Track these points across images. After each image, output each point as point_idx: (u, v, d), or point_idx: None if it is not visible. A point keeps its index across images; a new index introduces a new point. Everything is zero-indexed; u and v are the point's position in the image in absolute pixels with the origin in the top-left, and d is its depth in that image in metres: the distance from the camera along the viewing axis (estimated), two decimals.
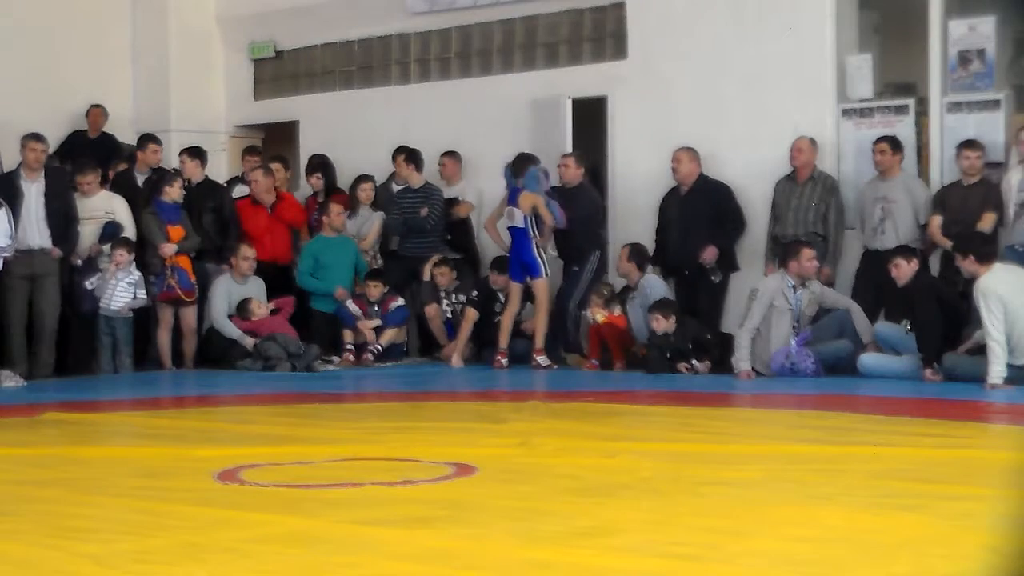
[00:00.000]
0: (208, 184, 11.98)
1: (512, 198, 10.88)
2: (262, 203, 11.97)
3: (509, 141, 11.68)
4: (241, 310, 11.29)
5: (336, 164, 12.90)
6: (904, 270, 9.38)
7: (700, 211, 10.69)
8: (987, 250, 9.01)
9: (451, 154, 12.21)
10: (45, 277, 10.55)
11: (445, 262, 11.71)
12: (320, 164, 12.66)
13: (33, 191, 10.53)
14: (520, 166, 10.96)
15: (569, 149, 11.69)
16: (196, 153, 12.06)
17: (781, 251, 10.20)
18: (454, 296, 11.67)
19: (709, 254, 10.66)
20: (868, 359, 9.53)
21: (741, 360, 9.73)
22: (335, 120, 13.48)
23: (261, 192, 11.96)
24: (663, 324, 10.11)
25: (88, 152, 12.32)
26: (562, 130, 11.88)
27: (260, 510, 4.87)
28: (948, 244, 9.56)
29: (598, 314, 10.60)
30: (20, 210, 10.40)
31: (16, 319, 10.53)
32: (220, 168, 13.53)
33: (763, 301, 9.78)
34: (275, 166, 12.47)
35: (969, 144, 9.78)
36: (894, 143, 10.12)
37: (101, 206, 11.09)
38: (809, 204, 10.40)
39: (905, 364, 9.31)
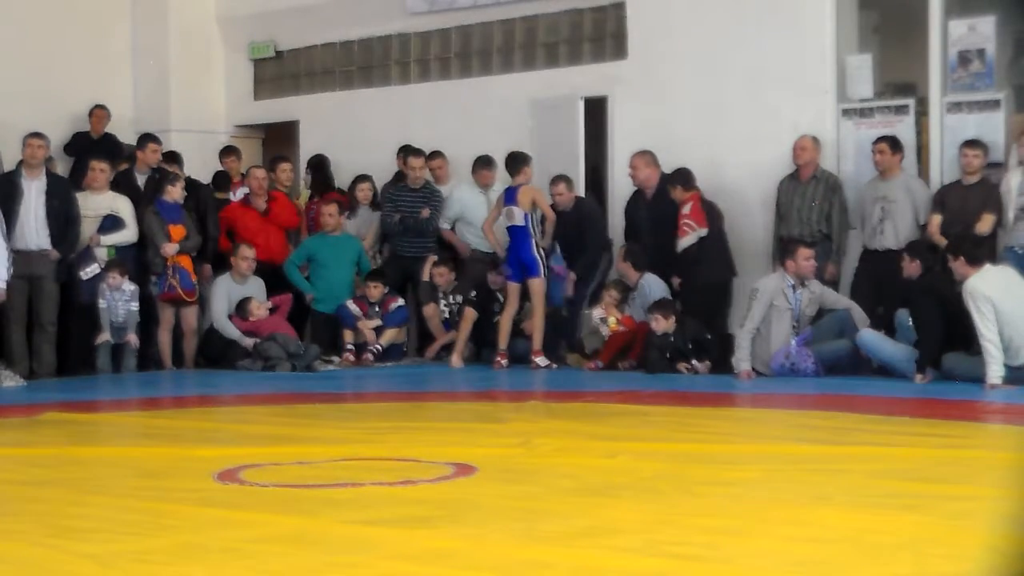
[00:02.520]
0: (187, 183, 11.82)
1: (510, 197, 10.86)
2: (254, 203, 11.96)
3: (509, 141, 11.68)
4: (240, 310, 11.30)
5: (336, 164, 12.91)
6: (911, 267, 9.42)
7: (668, 215, 10.61)
8: (978, 252, 9.00)
9: (438, 153, 12.15)
10: (43, 278, 10.54)
11: (444, 262, 11.71)
12: (313, 164, 12.69)
13: (33, 189, 10.52)
14: (515, 165, 10.95)
15: (581, 149, 11.69)
16: (172, 157, 12.16)
17: (779, 250, 10.20)
18: (451, 296, 11.68)
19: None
20: (868, 335, 9.50)
21: (741, 360, 9.73)
22: (335, 120, 13.48)
23: (256, 191, 11.96)
24: (663, 324, 10.10)
25: (91, 152, 12.30)
26: (574, 130, 11.86)
27: (260, 510, 4.87)
28: (945, 243, 9.58)
29: (611, 317, 10.57)
30: (19, 209, 10.41)
31: (16, 319, 10.53)
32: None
33: (763, 301, 9.77)
34: (285, 165, 12.47)
35: (971, 143, 9.78)
36: (893, 143, 10.11)
37: (107, 205, 11.11)
38: (812, 203, 10.40)
39: (903, 349, 9.29)
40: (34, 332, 10.62)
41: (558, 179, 11.13)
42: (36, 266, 10.51)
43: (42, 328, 10.61)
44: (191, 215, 11.42)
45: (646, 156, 10.87)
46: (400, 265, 11.99)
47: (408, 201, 11.79)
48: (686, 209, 10.50)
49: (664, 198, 10.73)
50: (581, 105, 11.93)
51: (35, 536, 4.41)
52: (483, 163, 11.64)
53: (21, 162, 10.83)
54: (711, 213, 10.56)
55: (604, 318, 10.62)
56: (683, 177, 10.64)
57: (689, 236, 10.46)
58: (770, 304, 9.76)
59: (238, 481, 5.46)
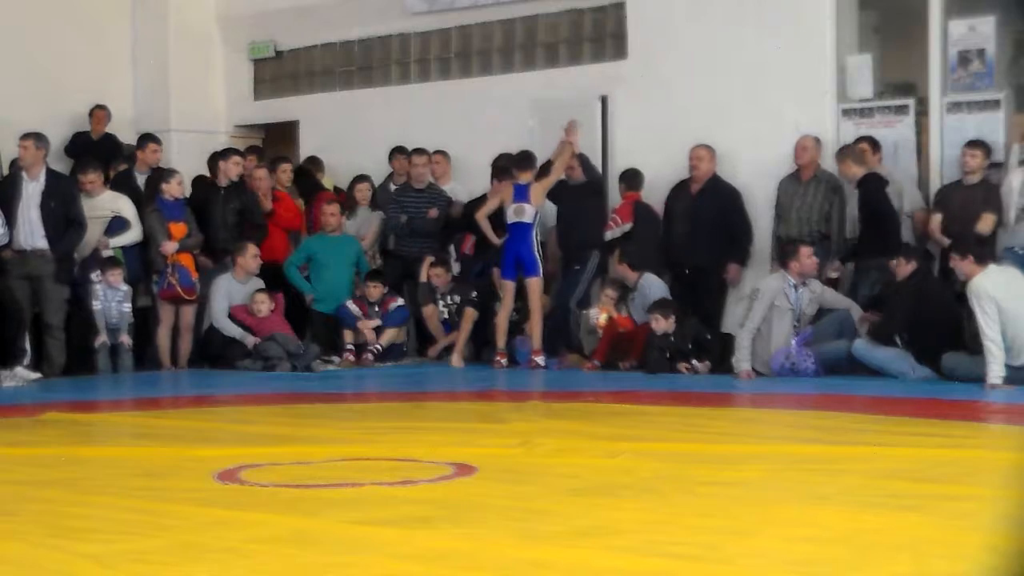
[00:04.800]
0: (237, 185, 11.82)
1: (521, 194, 10.83)
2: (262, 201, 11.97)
3: (509, 141, 11.68)
4: (248, 302, 11.30)
5: (336, 164, 12.90)
6: (903, 268, 9.40)
7: (708, 212, 10.68)
8: (983, 251, 9.03)
9: (442, 153, 12.20)
10: (43, 278, 10.52)
11: (441, 263, 11.71)
12: (296, 170, 12.67)
13: (30, 190, 10.49)
14: (526, 164, 10.95)
15: (599, 148, 11.70)
16: (232, 152, 12.05)
17: (780, 251, 10.19)
18: (449, 297, 11.68)
19: (733, 273, 10.73)
20: (858, 345, 9.51)
21: (741, 360, 9.73)
22: (335, 120, 13.49)
23: (262, 190, 11.95)
24: (663, 324, 10.10)
25: (91, 152, 12.31)
26: (592, 129, 11.83)
27: (260, 510, 4.87)
28: (947, 242, 9.59)
29: (603, 315, 10.57)
30: (17, 209, 10.39)
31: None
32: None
33: (764, 301, 9.78)
34: (286, 166, 12.47)
35: (971, 144, 9.79)
36: (873, 143, 10.17)
37: (107, 205, 11.11)
38: (813, 203, 10.41)
39: (895, 355, 9.30)
40: (43, 333, 10.59)
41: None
42: (34, 267, 10.49)
43: (48, 330, 10.58)
44: (235, 218, 11.43)
45: (710, 150, 10.85)
46: (400, 264, 11.99)
47: (413, 202, 11.79)
48: (617, 205, 11.11)
49: (708, 196, 10.75)
50: (599, 105, 11.90)
51: (35, 536, 4.40)
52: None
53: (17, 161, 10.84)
54: (646, 213, 11.01)
55: (600, 321, 10.63)
56: (628, 178, 11.18)
57: (613, 230, 11.04)
58: (771, 305, 9.77)
59: (238, 481, 5.46)
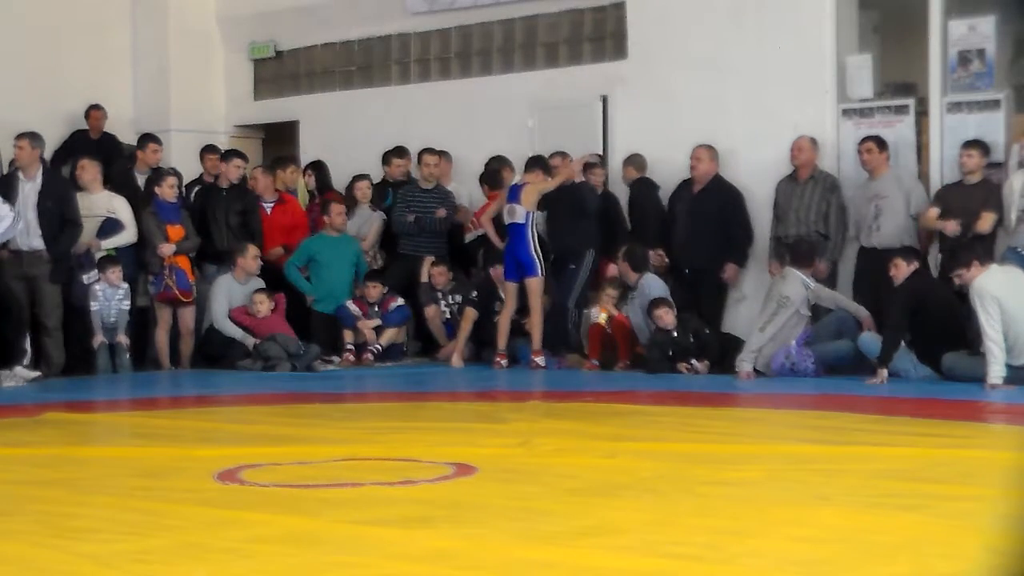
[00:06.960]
0: (239, 188, 11.79)
1: (513, 195, 10.86)
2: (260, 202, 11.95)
3: (509, 141, 11.68)
4: (248, 303, 11.29)
5: (336, 164, 12.89)
6: (902, 271, 9.39)
7: (710, 212, 10.67)
8: (984, 252, 9.05)
9: (443, 154, 12.20)
10: (39, 278, 10.50)
11: (442, 262, 11.71)
12: (315, 165, 12.66)
13: (27, 190, 10.48)
14: (531, 165, 10.94)
15: (599, 149, 11.70)
16: (234, 154, 12.02)
17: (807, 250, 10.09)
18: (450, 297, 11.67)
19: (731, 273, 10.72)
20: (866, 337, 9.51)
21: (744, 360, 9.71)
22: (335, 120, 13.49)
23: (260, 191, 11.95)
24: (668, 319, 10.08)
25: (91, 152, 12.29)
26: (594, 129, 11.82)
27: (260, 510, 4.87)
28: (946, 226, 9.61)
29: (603, 314, 10.56)
30: (15, 209, 10.38)
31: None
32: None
33: (791, 310, 9.75)
34: (291, 168, 12.44)
35: (967, 144, 9.79)
36: (879, 142, 10.15)
37: (103, 205, 11.09)
38: (810, 203, 10.41)
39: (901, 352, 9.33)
40: (40, 333, 10.59)
41: (556, 154, 11.15)
42: (30, 267, 10.47)
43: (46, 330, 10.57)
44: (237, 220, 11.42)
45: (711, 150, 10.84)
46: (404, 264, 11.97)
47: (421, 201, 11.78)
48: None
49: (710, 196, 10.74)
50: (599, 105, 11.89)
51: (35, 536, 4.40)
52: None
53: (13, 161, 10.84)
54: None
55: (599, 320, 10.63)
56: (489, 178, 11.64)
57: (471, 233, 11.83)
58: (795, 311, 9.78)
59: (238, 481, 5.46)
